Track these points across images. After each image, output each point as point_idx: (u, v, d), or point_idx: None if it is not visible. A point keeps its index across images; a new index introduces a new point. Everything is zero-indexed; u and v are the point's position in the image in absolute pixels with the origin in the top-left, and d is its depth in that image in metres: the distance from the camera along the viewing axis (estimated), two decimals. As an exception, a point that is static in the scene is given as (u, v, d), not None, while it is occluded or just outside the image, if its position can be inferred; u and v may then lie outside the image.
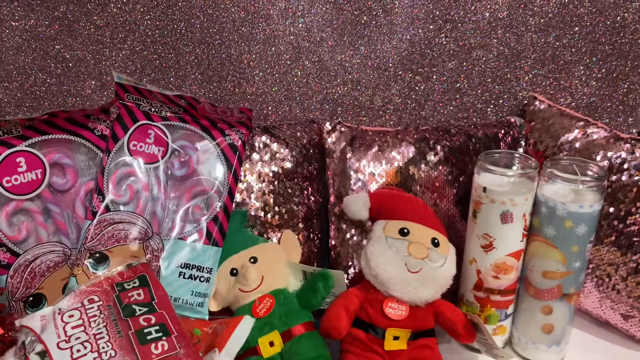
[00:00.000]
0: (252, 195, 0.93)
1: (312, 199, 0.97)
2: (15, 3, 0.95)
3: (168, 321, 0.69)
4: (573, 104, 1.06)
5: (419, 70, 1.03)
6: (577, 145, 0.93)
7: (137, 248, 0.80)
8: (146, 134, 0.84)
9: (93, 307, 0.70)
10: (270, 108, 1.04)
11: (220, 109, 0.85)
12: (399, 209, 0.82)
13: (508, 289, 0.84)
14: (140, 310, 0.70)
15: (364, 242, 0.94)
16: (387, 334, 0.76)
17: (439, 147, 0.95)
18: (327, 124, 0.96)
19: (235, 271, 0.83)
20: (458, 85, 1.04)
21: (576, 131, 0.95)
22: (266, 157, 0.94)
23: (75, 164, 0.81)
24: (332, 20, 0.99)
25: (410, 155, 0.95)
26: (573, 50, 1.03)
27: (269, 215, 0.93)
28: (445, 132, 0.97)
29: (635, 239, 0.87)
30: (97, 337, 0.66)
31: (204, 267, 0.83)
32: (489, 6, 1.00)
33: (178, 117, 0.86)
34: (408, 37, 1.01)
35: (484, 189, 0.81)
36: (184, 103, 0.84)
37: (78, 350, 0.65)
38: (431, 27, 1.01)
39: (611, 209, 0.88)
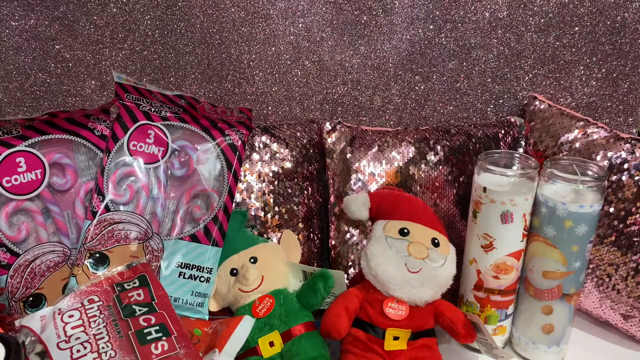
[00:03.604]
0: (252, 195, 0.93)
1: (312, 199, 0.97)
2: (15, 3, 0.95)
3: (168, 321, 0.69)
4: (573, 104, 1.06)
5: (419, 70, 1.03)
6: (577, 145, 0.93)
7: (137, 248, 0.80)
8: (146, 134, 0.84)
9: (93, 307, 0.70)
10: (270, 108, 1.04)
11: (220, 109, 0.85)
12: (399, 209, 0.82)
13: (508, 289, 0.84)
14: (140, 310, 0.70)
15: (364, 242, 0.94)
16: (387, 334, 0.76)
17: (439, 147, 0.95)
18: (327, 124, 0.96)
19: (235, 271, 0.83)
20: (458, 85, 1.04)
21: (576, 131, 0.95)
22: (266, 157, 0.94)
23: (75, 164, 0.81)
24: (332, 20, 0.99)
25: (410, 155, 0.95)
26: (573, 50, 1.02)
27: (269, 215, 0.93)
28: (445, 132, 0.97)
29: (635, 239, 0.87)
30: (97, 337, 0.66)
31: (204, 267, 0.82)
32: (489, 6, 1.00)
33: (178, 117, 0.86)
34: (408, 37, 1.01)
35: (484, 189, 0.81)
36: (184, 103, 0.84)
37: (78, 351, 0.65)
38: (431, 27, 1.01)
39: (611, 209, 0.88)
